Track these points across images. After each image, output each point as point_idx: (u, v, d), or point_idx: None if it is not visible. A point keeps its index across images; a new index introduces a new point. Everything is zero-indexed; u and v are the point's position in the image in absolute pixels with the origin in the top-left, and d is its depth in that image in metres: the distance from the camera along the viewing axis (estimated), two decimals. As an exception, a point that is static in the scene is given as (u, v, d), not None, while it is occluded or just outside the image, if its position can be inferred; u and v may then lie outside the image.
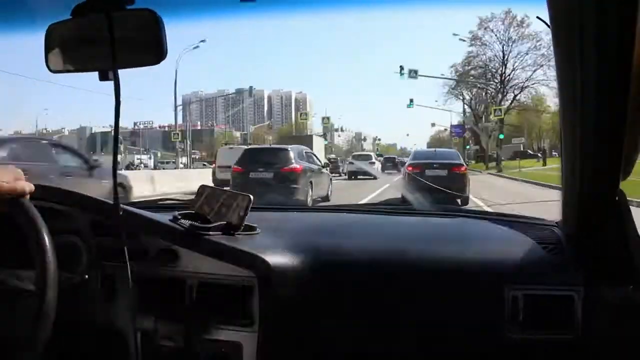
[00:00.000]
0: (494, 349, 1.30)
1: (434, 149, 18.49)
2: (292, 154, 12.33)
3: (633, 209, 1.26)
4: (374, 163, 29.63)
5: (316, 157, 14.45)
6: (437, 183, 9.34)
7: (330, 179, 14.41)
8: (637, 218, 1.24)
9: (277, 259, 1.30)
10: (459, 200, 11.21)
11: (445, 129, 60.95)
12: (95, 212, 1.40)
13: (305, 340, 1.33)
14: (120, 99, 1.17)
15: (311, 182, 12.08)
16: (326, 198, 12.75)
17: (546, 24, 1.09)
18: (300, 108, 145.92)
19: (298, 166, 11.99)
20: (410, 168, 12.89)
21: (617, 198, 1.23)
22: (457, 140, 54.96)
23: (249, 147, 15.19)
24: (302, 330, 1.33)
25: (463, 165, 13.22)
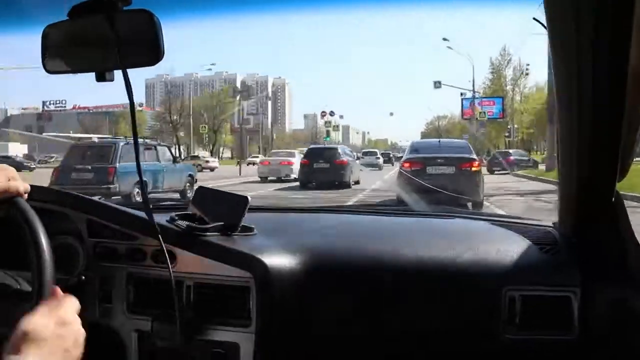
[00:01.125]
0: (491, 349, 1.31)
1: (437, 139, 16.49)
2: (340, 151, 17.79)
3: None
4: (379, 158, 31.79)
5: (352, 152, 20.16)
6: (442, 183, 7.14)
7: (360, 168, 19.20)
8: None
9: (274, 259, 1.30)
10: (469, 205, 8.37)
11: (465, 98, 35.30)
12: (93, 213, 1.40)
13: (302, 340, 1.34)
14: (134, 100, 1.18)
15: (351, 170, 16.69)
16: (357, 182, 16.80)
17: (543, 25, 1.09)
18: (278, 95, 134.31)
19: (345, 159, 16.99)
20: (407, 164, 10.17)
21: (613, 199, 1.24)
22: (482, 116, 33.12)
23: (312, 146, 22.35)
24: (299, 331, 1.33)
25: (475, 159, 10.59)
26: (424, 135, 65.77)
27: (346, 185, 15.49)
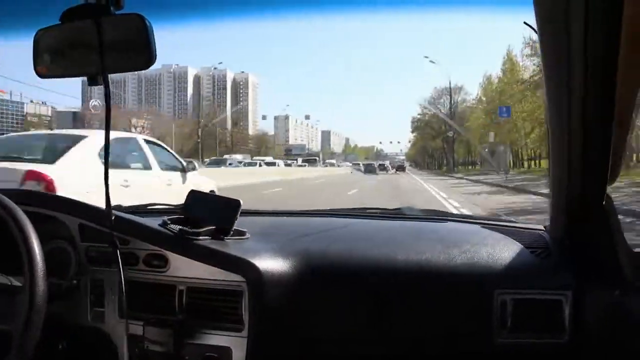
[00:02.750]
0: (483, 353, 1.31)
1: None
2: (387, 163, 55.31)
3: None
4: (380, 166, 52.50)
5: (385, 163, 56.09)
6: None
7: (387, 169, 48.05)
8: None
9: (266, 263, 1.30)
10: None
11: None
12: (86, 217, 1.40)
13: (295, 344, 1.33)
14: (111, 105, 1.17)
15: (379, 167, 49.03)
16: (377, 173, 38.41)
17: (533, 29, 1.10)
18: (240, 94, 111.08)
19: (386, 164, 52.98)
20: None
21: (604, 202, 1.24)
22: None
23: (365, 162, 54.02)
24: (292, 335, 1.33)
25: None
26: (417, 125, 47.05)
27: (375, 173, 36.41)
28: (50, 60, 1.20)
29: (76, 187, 4.80)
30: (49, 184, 5.15)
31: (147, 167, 6.75)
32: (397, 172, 46.97)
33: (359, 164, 53.30)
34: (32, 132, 11.35)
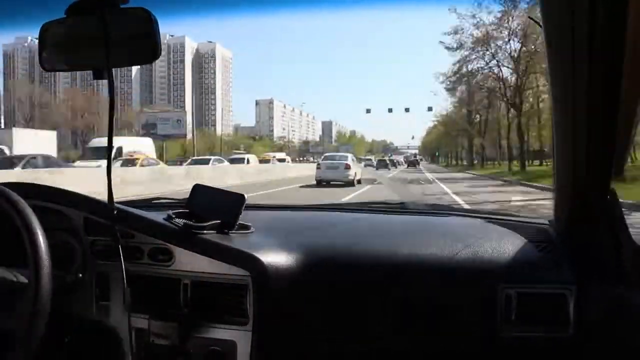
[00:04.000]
0: (487, 347, 1.31)
1: None
2: (400, 158, 61.34)
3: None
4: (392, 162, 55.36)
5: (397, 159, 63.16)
6: None
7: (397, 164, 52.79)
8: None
9: (271, 257, 1.31)
10: None
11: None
12: (89, 210, 1.40)
13: (299, 338, 1.34)
14: (115, 98, 1.18)
15: (391, 164, 48.24)
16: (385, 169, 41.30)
17: (538, 23, 1.10)
18: (203, 68, 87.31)
19: (395, 160, 54.89)
20: None
21: (608, 197, 1.24)
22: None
23: (379, 159, 52.83)
24: (296, 328, 1.33)
25: None
26: (460, 73, 28.40)
27: (387, 168, 39.90)
28: (56, 54, 1.20)
29: (353, 169, 19.32)
30: (348, 165, 19.31)
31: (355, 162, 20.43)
32: (409, 167, 47.44)
33: (371, 160, 54.44)
34: (338, 153, 25.78)
